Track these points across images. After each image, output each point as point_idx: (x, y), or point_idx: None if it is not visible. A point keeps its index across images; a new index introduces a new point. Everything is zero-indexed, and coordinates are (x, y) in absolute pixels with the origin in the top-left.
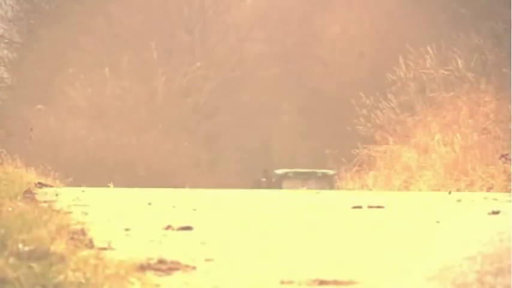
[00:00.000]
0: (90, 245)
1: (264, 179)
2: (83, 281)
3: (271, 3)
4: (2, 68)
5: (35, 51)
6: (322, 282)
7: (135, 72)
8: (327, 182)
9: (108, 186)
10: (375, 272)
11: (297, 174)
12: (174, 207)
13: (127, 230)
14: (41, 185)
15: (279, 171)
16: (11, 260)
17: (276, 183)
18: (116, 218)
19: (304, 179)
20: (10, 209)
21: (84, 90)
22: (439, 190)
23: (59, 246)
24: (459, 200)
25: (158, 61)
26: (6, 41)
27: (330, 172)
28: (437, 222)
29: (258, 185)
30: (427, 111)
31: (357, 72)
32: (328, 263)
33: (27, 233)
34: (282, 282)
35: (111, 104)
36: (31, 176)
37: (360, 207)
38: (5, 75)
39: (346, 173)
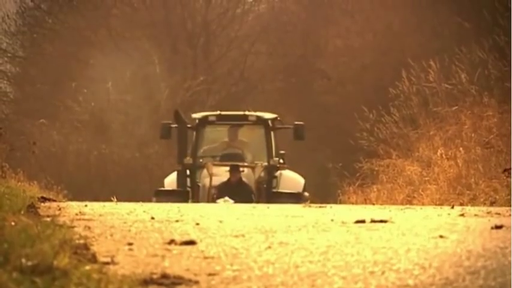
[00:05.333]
0: (94, 259)
1: (176, 125)
2: None
3: (274, 17)
4: (5, 82)
5: (38, 65)
6: None
7: (138, 86)
8: (264, 130)
9: (111, 201)
10: (378, 286)
11: (221, 118)
12: (177, 221)
13: (130, 244)
14: (44, 199)
15: (197, 115)
16: (14, 274)
17: (193, 131)
18: (119, 233)
19: (231, 125)
20: (13, 223)
21: (87, 104)
22: (442, 204)
23: (62, 261)
24: (462, 214)
25: (161, 75)
26: (9, 55)
27: (267, 116)
28: (441, 236)
29: (167, 133)
30: (430, 125)
31: (359, 86)
32: (331, 277)
33: (30, 247)
34: None
35: (114, 118)
36: (34, 190)
37: (363, 221)
38: (8, 90)
39: (349, 187)
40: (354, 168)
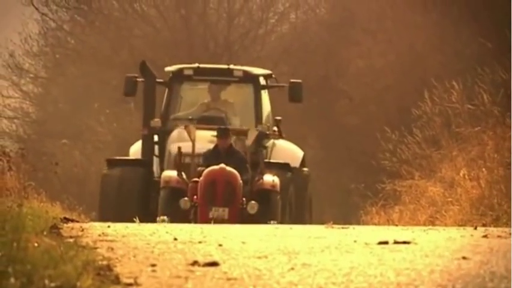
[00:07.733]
0: (117, 280)
1: (142, 80)
2: None
3: (296, 37)
4: (28, 102)
5: (60, 85)
6: None
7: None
8: (253, 89)
9: (134, 221)
10: None
11: (200, 73)
12: (200, 242)
13: (153, 265)
14: (66, 220)
15: (171, 68)
16: None
17: (165, 88)
18: (142, 254)
19: (213, 81)
20: (36, 244)
21: (110, 125)
22: (464, 225)
23: (85, 282)
24: (485, 235)
25: None
26: (31, 75)
27: (257, 71)
28: (464, 257)
29: (131, 89)
30: (452, 146)
31: (382, 106)
32: None
33: (54, 268)
34: None
35: (137, 138)
36: (57, 211)
37: (386, 242)
38: (30, 110)
39: (372, 208)
40: (376, 189)
